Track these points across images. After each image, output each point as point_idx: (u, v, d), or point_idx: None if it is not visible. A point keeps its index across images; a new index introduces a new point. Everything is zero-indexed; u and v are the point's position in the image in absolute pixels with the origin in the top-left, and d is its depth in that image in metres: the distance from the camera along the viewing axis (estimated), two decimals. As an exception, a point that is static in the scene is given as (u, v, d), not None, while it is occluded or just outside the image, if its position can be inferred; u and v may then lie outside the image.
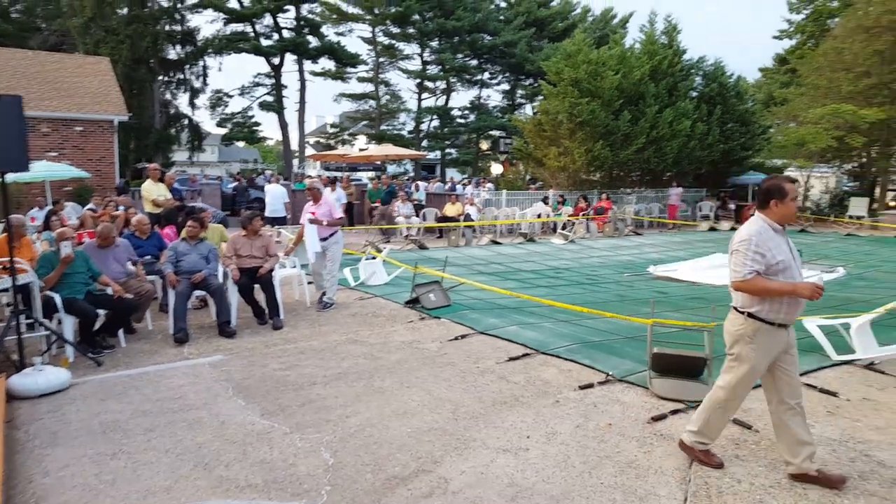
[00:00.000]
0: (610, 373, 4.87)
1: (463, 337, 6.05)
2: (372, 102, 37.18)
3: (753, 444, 3.68)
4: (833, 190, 25.26)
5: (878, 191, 24.00)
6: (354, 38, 36.08)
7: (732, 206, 22.13)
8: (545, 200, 18.37)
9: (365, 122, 38.29)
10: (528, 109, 38.39)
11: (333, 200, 8.88)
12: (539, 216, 17.49)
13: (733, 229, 18.91)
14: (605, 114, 19.28)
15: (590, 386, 4.63)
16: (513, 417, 4.08)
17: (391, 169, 32.09)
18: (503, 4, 37.50)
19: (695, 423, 3.44)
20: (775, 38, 33.58)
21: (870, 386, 4.68)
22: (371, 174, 30.54)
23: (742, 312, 3.21)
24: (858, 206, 21.70)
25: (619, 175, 21.41)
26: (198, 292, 6.47)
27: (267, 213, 14.42)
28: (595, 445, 3.66)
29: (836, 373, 4.98)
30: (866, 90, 21.18)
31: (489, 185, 23.66)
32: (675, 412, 4.13)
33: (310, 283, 7.84)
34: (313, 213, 7.36)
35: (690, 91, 22.01)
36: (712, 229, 18.80)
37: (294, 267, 8.00)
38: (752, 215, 3.31)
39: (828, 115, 20.70)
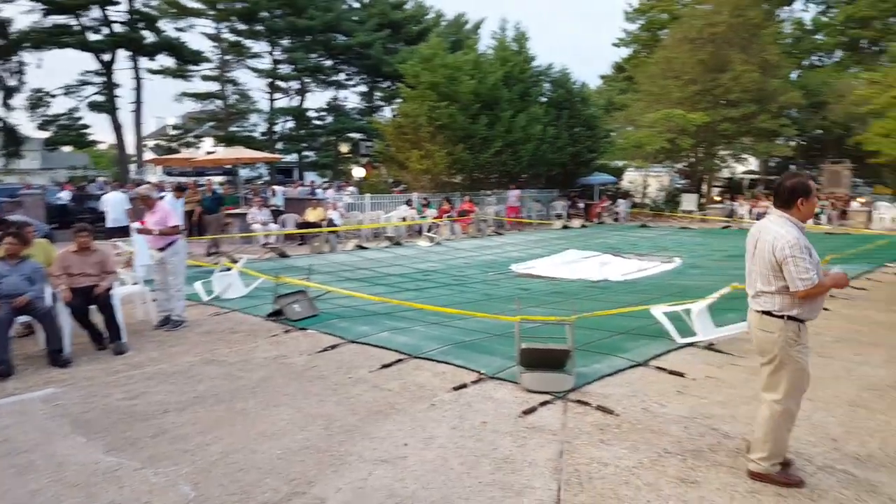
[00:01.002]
0: (482, 371, 4.99)
1: (333, 347, 5.89)
2: (218, 102, 35.23)
3: (616, 427, 3.95)
4: (667, 188, 28.14)
5: (705, 187, 27.08)
6: (196, 35, 33.70)
7: (581, 205, 23.84)
8: (409, 203, 18.54)
9: (212, 124, 36.15)
10: (387, 112, 38.53)
11: (172, 208, 8.20)
12: (404, 219, 17.61)
13: (584, 226, 20.42)
14: (463, 117, 19.91)
15: (463, 386, 4.72)
16: (389, 426, 4.04)
17: (244, 173, 30.58)
18: (356, 5, 37.30)
19: (761, 449, 3.25)
20: (614, 45, 36.75)
21: (710, 364, 5.24)
22: (221, 178, 28.89)
23: (780, 317, 3.15)
24: (689, 201, 24.36)
25: (479, 177, 22.19)
26: (22, 318, 5.69)
27: (109, 224, 13.22)
28: (472, 445, 3.72)
29: (682, 355, 5.51)
30: (693, 96, 23.85)
31: (351, 188, 23.43)
32: (544, 404, 4.32)
33: (154, 300, 7.22)
34: (142, 223, 6.80)
35: (540, 96, 23.39)
36: (565, 227, 20.09)
37: (136, 283, 7.33)
38: (766, 214, 3.30)
39: (661, 119, 23.01)
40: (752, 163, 30.60)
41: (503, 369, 5.02)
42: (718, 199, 26.06)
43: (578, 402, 4.36)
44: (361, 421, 4.13)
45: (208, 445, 3.78)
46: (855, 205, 21.02)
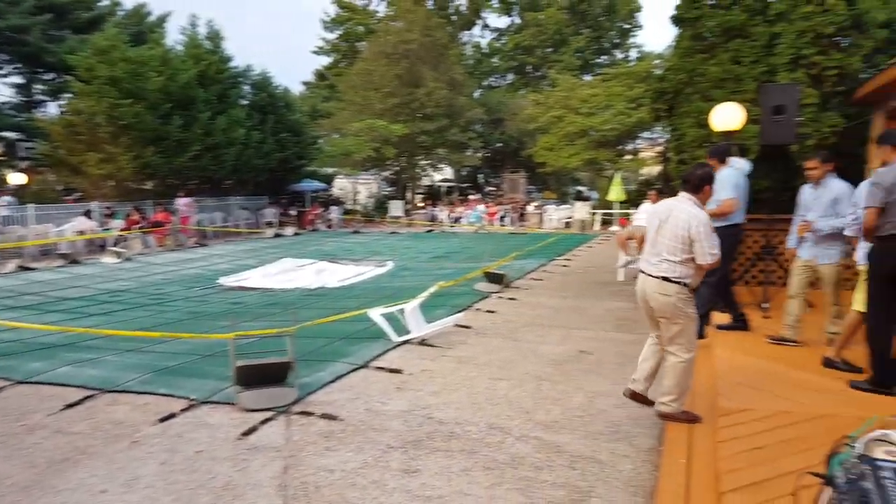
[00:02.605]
0: (193, 397, 4.63)
1: (-9, 393, 4.84)
2: None
3: (340, 432, 4.03)
4: (376, 194, 29.75)
5: (409, 194, 29.32)
6: None
7: (294, 212, 23.77)
8: (88, 214, 16.20)
9: None
10: (52, 108, 33.00)
11: None
12: (82, 233, 15.32)
13: (297, 234, 20.38)
14: (152, 117, 18.16)
15: (171, 416, 4.31)
16: (81, 474, 3.48)
17: None
18: (6, -19, 31.21)
19: (670, 392, 3.84)
20: (314, 53, 37.42)
21: (424, 358, 5.69)
22: None
23: (679, 282, 3.77)
24: (396, 207, 26.11)
25: (175, 183, 20.48)
26: None
27: None
28: (185, 479, 3.43)
29: (399, 352, 5.88)
30: (393, 108, 25.62)
31: (8, 198, 19.52)
32: (265, 421, 4.20)
33: None
34: None
35: (241, 99, 22.64)
36: (278, 235, 19.79)
37: None
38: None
39: (365, 129, 24.25)
40: (448, 171, 34.18)
41: (217, 391, 4.73)
42: (422, 204, 28.46)
43: (302, 413, 4.34)
44: (42, 475, 3.48)
45: None
46: (530, 208, 24.94)
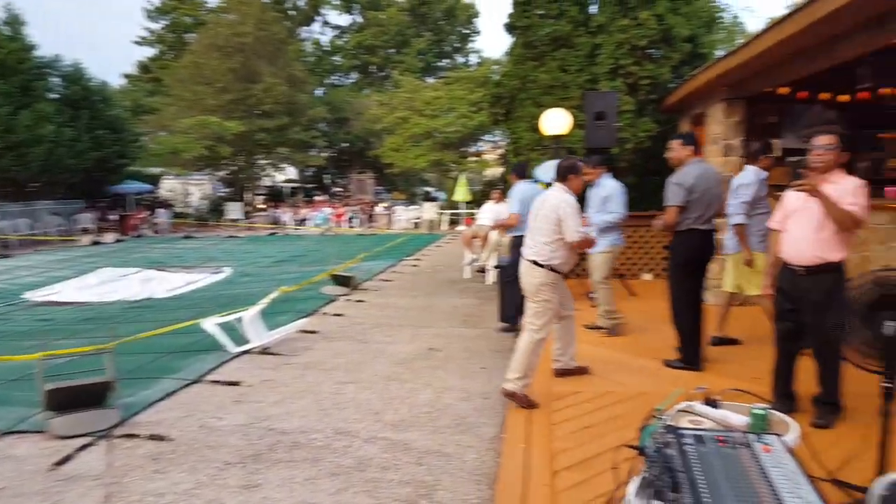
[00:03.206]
0: (-10, 429, 4.09)
1: None
2: None
3: (171, 453, 3.77)
4: (210, 196, 28.12)
5: (249, 195, 28.08)
6: None
7: (115, 217, 21.82)
8: None
9: None
10: None
11: None
12: None
13: (120, 241, 18.75)
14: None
15: (-38, 454, 3.77)
16: None
17: None
18: None
19: (517, 370, 4.13)
20: (136, 43, 34.62)
21: (265, 368, 5.50)
22: None
23: (546, 266, 4.14)
24: (234, 210, 24.88)
25: (-33, 187, 17.96)
26: None
27: None
28: (-19, 525, 3.02)
29: (237, 363, 5.62)
30: (227, 104, 24.38)
31: None
32: (83, 448, 3.81)
33: None
34: None
35: (49, 92, 20.37)
36: (96, 243, 18.04)
37: None
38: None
39: (196, 126, 22.86)
40: (292, 172, 33.26)
41: (24, 419, 4.22)
42: (263, 206, 27.41)
43: (127, 436, 4.00)
44: None
45: None
46: (379, 209, 25.03)
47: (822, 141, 3.49)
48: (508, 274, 6.18)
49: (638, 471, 2.11)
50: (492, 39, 77.93)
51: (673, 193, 4.57)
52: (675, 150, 4.78)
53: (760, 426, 2.36)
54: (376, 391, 4.87)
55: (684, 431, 1.99)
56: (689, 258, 4.67)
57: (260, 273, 11.73)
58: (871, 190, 3.52)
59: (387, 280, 10.57)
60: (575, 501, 2.88)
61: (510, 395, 4.18)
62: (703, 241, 4.65)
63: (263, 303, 6.46)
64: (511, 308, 6.39)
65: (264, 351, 5.95)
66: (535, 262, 4.20)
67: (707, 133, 7.54)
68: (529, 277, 4.23)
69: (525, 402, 4.13)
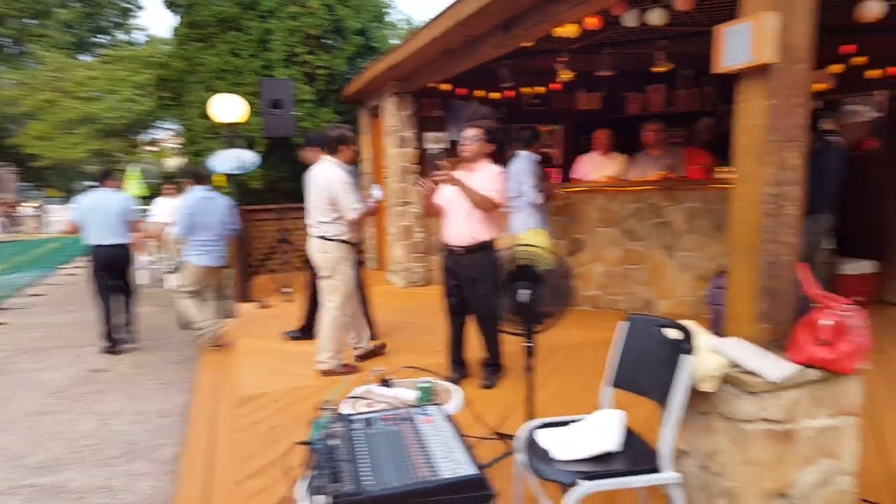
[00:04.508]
0: None
1: None
2: None
3: None
4: None
5: None
6: None
7: None
8: None
9: None
10: None
11: None
12: None
13: None
14: None
15: None
16: None
17: None
18: None
19: (326, 349, 4.28)
20: None
21: None
22: None
23: (336, 240, 4.18)
24: None
25: None
26: None
27: None
28: None
29: None
30: None
31: None
32: None
33: None
34: None
35: None
36: None
37: None
38: None
39: None
40: None
41: None
42: None
43: None
44: None
45: None
46: (26, 210, 21.21)
47: (469, 133, 3.97)
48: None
49: (308, 467, 2.12)
50: (162, 17, 71.50)
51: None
52: (308, 154, 4.96)
53: (426, 398, 2.58)
54: (20, 431, 4.11)
55: (354, 417, 2.06)
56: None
57: None
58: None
59: (37, 295, 9.02)
60: (259, 508, 2.81)
61: (328, 373, 4.29)
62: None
63: None
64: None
65: None
66: (324, 237, 4.23)
67: (383, 125, 7.99)
68: (320, 253, 4.25)
69: (347, 371, 4.34)
